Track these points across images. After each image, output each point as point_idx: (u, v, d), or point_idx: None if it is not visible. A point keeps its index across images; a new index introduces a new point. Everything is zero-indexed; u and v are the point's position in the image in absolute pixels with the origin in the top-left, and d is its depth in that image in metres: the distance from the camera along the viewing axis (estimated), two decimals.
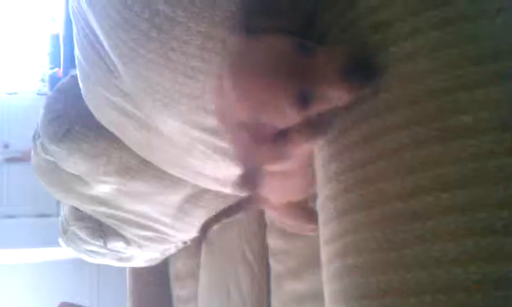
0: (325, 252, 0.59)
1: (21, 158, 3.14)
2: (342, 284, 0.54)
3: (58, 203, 2.00)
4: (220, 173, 1.01)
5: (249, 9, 0.61)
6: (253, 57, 0.55)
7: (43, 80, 3.51)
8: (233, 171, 0.97)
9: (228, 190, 1.21)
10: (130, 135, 1.10)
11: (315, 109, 0.54)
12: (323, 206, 0.59)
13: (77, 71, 1.10)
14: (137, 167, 1.31)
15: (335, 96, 0.53)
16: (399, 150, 0.50)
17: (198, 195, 1.35)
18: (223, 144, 0.86)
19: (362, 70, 0.51)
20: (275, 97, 0.53)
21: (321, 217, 0.60)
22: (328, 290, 0.58)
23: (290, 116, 0.54)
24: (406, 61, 0.51)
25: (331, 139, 0.58)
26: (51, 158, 1.41)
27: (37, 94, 3.46)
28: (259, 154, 0.57)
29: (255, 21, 0.58)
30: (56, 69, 3.35)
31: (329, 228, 0.57)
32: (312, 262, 1.02)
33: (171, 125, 0.86)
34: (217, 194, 1.35)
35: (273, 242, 1.25)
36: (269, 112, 0.54)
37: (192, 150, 0.95)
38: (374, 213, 0.51)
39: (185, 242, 1.88)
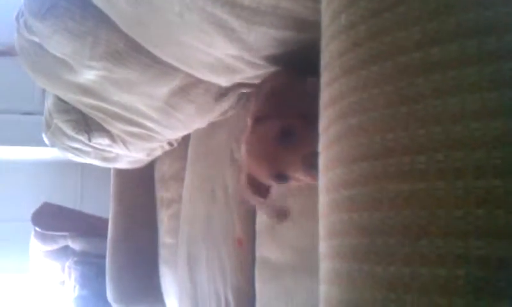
0: (324, 118, 0.54)
1: (5, 52, 3.01)
2: (340, 148, 0.49)
3: (43, 100, 1.92)
4: (213, 52, 0.94)
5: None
6: (254, 139, 0.81)
7: None
8: (226, 50, 0.91)
9: (219, 80, 1.15)
10: (119, 8, 1.02)
11: (292, 182, 0.81)
12: (326, 66, 0.53)
13: None
14: (126, 52, 1.23)
15: (303, 178, 0.78)
16: None
17: (187, 88, 1.28)
18: (218, 12, 0.79)
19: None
20: (261, 173, 0.81)
21: (323, 79, 0.54)
22: (322, 158, 0.53)
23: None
24: None
25: None
26: (35, 39, 1.33)
27: None
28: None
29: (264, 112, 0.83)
30: None
31: (331, 89, 0.52)
32: None
33: None
34: (208, 89, 1.29)
35: None
36: (260, 178, 0.83)
37: (185, 25, 0.88)
38: (386, 66, 0.45)
39: (171, 144, 1.83)
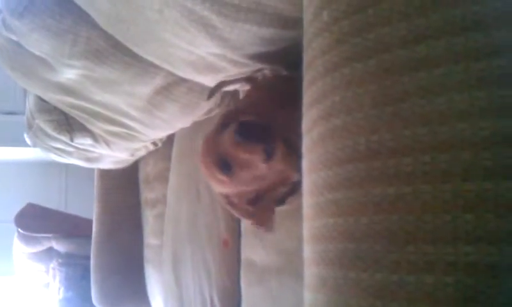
0: (307, 119, 0.52)
1: None
2: (324, 150, 0.47)
3: (25, 100, 1.88)
4: (195, 50, 0.92)
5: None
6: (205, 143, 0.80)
7: None
8: (208, 48, 0.89)
9: (202, 79, 1.12)
10: (98, 5, 0.99)
11: (241, 174, 0.75)
12: (309, 65, 0.51)
13: None
14: (107, 50, 1.20)
15: (245, 159, 0.74)
16: None
17: (170, 87, 1.26)
18: (198, 9, 0.76)
19: (247, 133, 0.71)
20: (209, 170, 0.77)
21: (306, 78, 0.52)
22: (306, 160, 0.51)
23: (226, 183, 0.78)
24: None
25: None
26: (14, 38, 1.29)
27: None
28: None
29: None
30: None
31: (314, 88, 0.50)
32: None
33: None
34: (191, 89, 1.27)
35: None
36: (212, 181, 0.80)
37: (165, 22, 0.86)
38: (370, 64, 0.43)
39: (155, 144, 1.81)
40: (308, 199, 0.52)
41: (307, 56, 0.53)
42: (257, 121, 0.73)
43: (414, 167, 0.39)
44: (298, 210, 0.82)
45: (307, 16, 0.53)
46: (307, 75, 0.52)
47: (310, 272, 0.50)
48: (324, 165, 0.47)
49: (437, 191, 0.38)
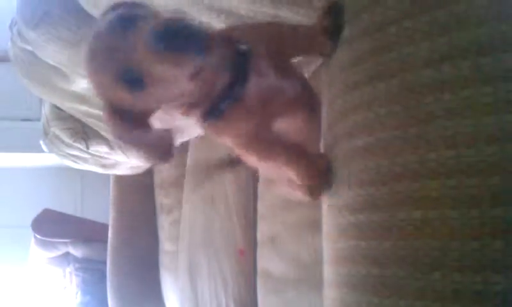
0: (329, 136, 0.51)
1: (3, 58, 2.98)
2: (346, 170, 0.46)
3: (41, 106, 1.89)
4: None
5: None
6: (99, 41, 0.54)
7: None
8: None
9: None
10: None
11: (154, 90, 0.51)
12: (331, 82, 0.50)
13: None
14: None
15: (164, 73, 0.50)
16: (432, 7, 0.40)
17: None
18: (214, 23, 0.75)
19: (172, 40, 0.47)
20: (103, 79, 0.52)
21: (329, 96, 0.51)
22: None
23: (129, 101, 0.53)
24: None
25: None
26: (29, 48, 1.30)
27: None
28: None
29: None
30: None
31: (335, 106, 0.49)
32: None
33: None
34: None
35: None
36: (105, 94, 0.54)
37: None
38: (393, 84, 0.42)
39: None
40: (328, 218, 0.50)
41: (326, 72, 0.52)
42: (186, 20, 0.49)
43: (440, 191, 0.38)
44: (315, 222, 0.81)
45: None
46: (329, 93, 0.51)
47: (331, 294, 0.49)
48: (346, 186, 0.46)
49: (465, 217, 0.37)
